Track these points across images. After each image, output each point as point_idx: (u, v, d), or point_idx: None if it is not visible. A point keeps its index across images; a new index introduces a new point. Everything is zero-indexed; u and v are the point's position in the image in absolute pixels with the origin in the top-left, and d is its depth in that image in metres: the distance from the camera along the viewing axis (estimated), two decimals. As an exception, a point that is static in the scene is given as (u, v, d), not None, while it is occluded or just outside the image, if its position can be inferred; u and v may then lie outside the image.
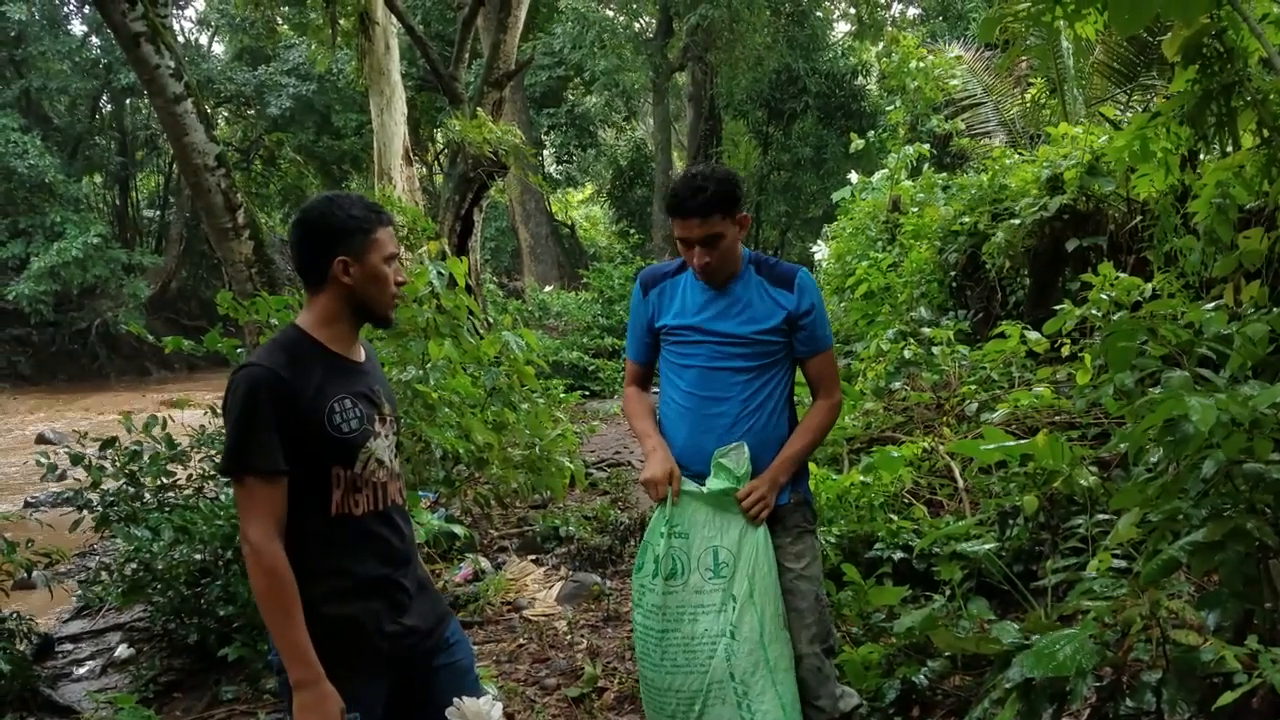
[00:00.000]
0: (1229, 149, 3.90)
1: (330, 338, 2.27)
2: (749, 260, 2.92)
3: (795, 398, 3.02)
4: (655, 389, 3.16)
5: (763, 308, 2.84)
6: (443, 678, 2.35)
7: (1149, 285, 4.67)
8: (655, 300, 2.99)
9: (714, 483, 2.78)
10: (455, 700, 2.26)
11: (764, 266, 2.91)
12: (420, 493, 5.53)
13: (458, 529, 5.51)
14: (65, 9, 26.51)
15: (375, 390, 2.33)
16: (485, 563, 5.91)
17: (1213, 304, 3.44)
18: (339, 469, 2.20)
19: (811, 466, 4.93)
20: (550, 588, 5.56)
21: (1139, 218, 6.07)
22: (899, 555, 4.28)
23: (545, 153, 27.50)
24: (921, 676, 3.46)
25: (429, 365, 5.56)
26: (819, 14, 23.92)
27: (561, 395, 9.24)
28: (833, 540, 4.34)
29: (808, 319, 2.86)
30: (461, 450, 5.55)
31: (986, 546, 3.75)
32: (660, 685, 2.80)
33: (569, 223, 29.98)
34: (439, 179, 22.62)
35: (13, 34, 24.19)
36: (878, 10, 23.09)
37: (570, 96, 27.47)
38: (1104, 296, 4.65)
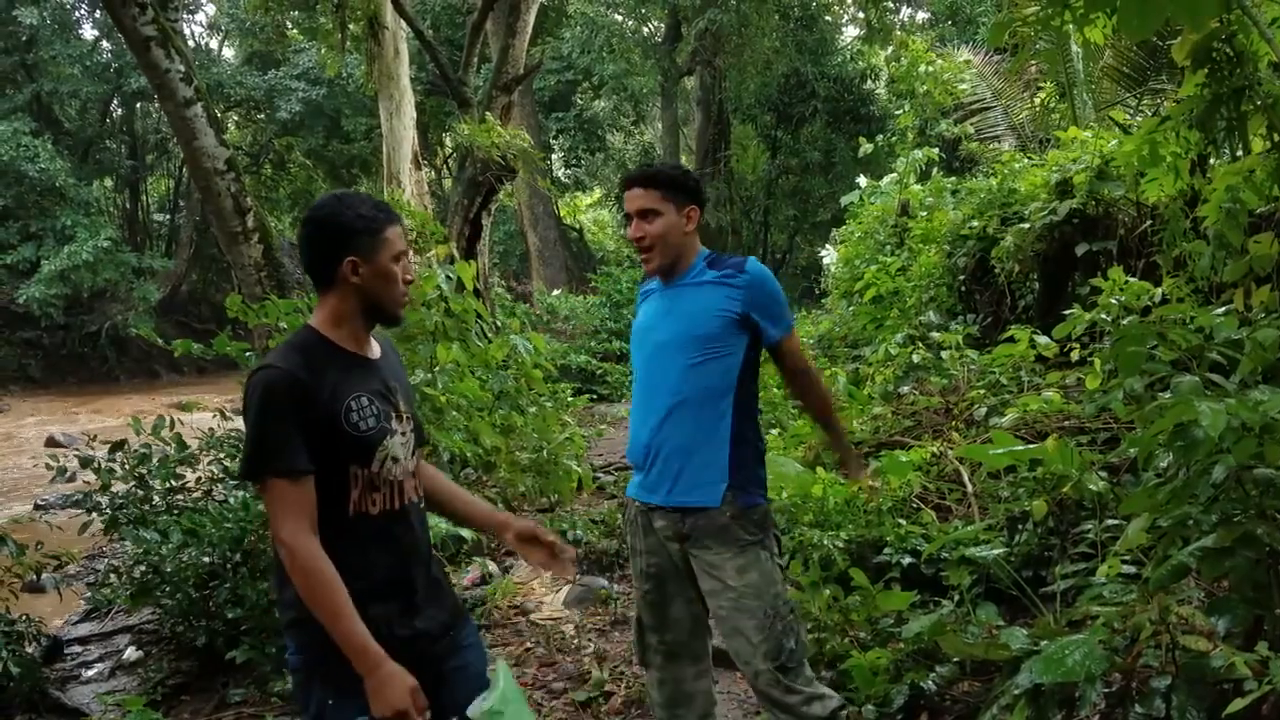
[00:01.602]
0: (1239, 153, 3.88)
1: (342, 337, 2.26)
2: (703, 258, 2.93)
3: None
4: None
5: (710, 301, 2.83)
6: (454, 681, 2.31)
7: (1159, 290, 4.66)
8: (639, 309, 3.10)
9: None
10: None
11: (716, 261, 2.92)
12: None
13: (465, 532, 5.51)
14: (76, 13, 26.64)
15: (391, 386, 2.32)
16: (493, 566, 5.91)
17: (1223, 309, 3.43)
18: (356, 468, 2.19)
19: (820, 471, 4.94)
20: (557, 592, 5.55)
21: (1148, 222, 6.05)
22: (907, 560, 4.26)
23: (554, 157, 27.57)
24: (930, 682, 3.45)
25: (437, 369, 5.57)
26: (828, 18, 23.91)
27: (569, 399, 9.24)
28: (841, 545, 4.33)
29: (761, 297, 2.84)
30: (469, 453, 5.55)
31: (995, 551, 3.74)
32: None
33: (577, 226, 30.01)
34: (448, 183, 22.71)
35: (24, 38, 24.31)
36: (886, 15, 23.06)
37: (579, 101, 27.51)
38: (1113, 301, 4.64)
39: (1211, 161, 4.84)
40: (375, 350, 2.35)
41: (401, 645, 2.20)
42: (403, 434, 2.30)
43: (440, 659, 2.32)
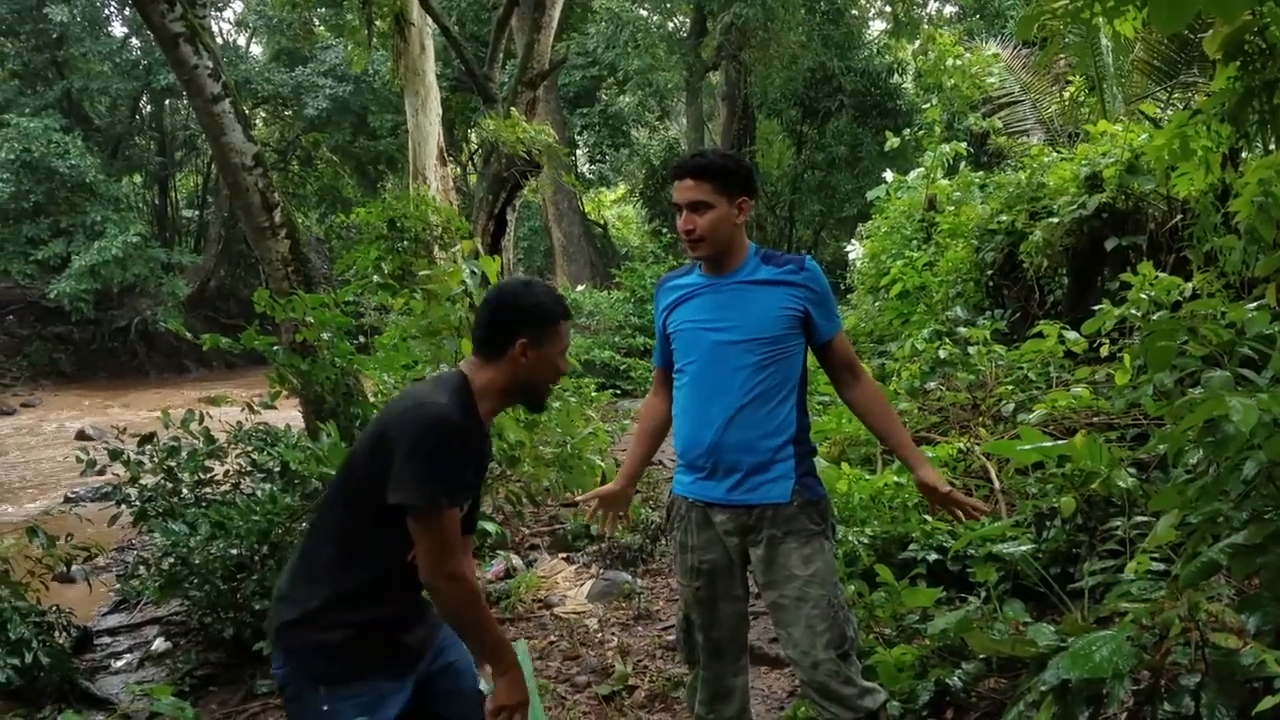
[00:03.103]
0: (1271, 147, 3.84)
1: (485, 407, 2.41)
2: (754, 253, 2.87)
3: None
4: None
5: (774, 301, 2.80)
6: (440, 681, 2.48)
7: (1189, 285, 4.61)
8: (669, 304, 2.98)
9: None
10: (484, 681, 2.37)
11: (770, 257, 2.88)
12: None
13: (490, 526, 5.53)
14: (106, 10, 26.87)
15: (485, 462, 2.54)
16: (517, 560, 5.93)
17: (1254, 304, 3.39)
18: None
19: (845, 467, 4.93)
20: (581, 585, 5.57)
21: (1179, 217, 5.99)
22: (933, 556, 4.24)
23: (578, 152, 27.56)
24: (956, 679, 3.42)
25: (461, 363, 5.58)
26: (854, 12, 23.80)
27: (593, 394, 9.24)
28: (866, 541, 4.31)
29: (820, 295, 2.82)
30: (493, 448, 5.57)
31: (1023, 548, 3.72)
32: None
33: (602, 222, 30.02)
34: (473, 179, 22.74)
35: (54, 35, 24.55)
36: (914, 8, 22.93)
37: (604, 96, 27.49)
38: (1144, 296, 4.60)
39: (1243, 155, 4.79)
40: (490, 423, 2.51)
41: (417, 659, 2.43)
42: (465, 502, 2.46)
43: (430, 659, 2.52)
